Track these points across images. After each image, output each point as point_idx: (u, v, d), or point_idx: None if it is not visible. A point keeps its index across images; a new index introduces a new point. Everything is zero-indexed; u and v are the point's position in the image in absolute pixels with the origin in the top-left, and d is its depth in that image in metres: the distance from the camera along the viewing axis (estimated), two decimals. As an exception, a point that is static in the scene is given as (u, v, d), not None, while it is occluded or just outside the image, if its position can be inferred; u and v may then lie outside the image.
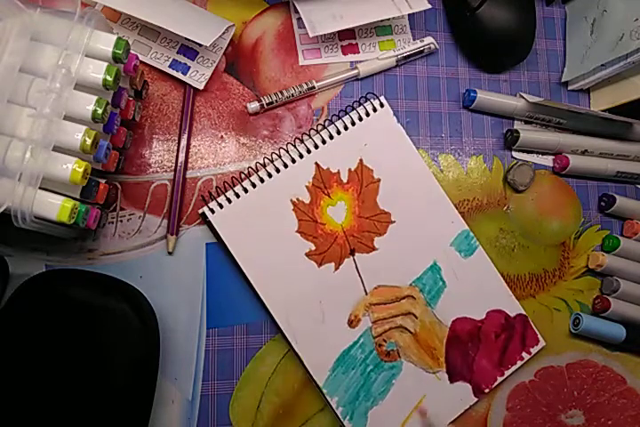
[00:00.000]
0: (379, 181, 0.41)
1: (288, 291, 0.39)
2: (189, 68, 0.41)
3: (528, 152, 0.46)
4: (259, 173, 0.39)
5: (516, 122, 0.46)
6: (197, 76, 0.41)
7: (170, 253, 0.39)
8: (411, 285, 0.41)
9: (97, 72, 0.31)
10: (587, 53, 0.45)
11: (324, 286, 0.39)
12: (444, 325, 0.41)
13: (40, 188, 0.30)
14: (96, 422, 0.31)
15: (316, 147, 0.40)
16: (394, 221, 0.41)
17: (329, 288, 0.39)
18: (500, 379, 0.41)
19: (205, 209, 0.38)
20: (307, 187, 0.40)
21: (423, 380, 0.40)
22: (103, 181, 0.35)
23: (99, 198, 0.34)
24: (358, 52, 0.44)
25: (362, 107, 0.42)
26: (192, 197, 0.40)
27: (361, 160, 0.41)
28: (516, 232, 0.44)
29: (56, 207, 0.30)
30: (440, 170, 0.44)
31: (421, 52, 0.44)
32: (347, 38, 0.44)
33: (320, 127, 0.41)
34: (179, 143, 0.40)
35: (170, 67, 0.41)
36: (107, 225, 0.39)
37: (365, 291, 0.40)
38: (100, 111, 0.31)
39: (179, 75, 0.40)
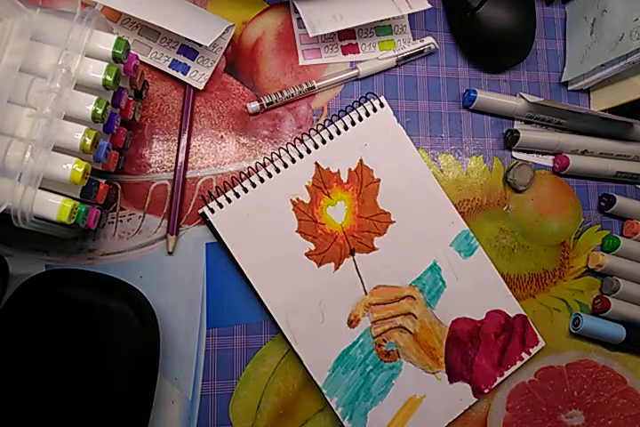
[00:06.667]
0: (379, 181, 0.41)
1: (288, 291, 0.39)
2: (189, 68, 0.41)
3: (528, 152, 0.46)
4: (259, 172, 0.39)
5: (515, 122, 0.46)
6: (197, 76, 0.41)
7: (170, 253, 0.39)
8: (410, 285, 0.41)
9: (97, 72, 0.31)
10: (587, 53, 0.45)
11: (324, 286, 0.39)
12: (443, 325, 0.41)
13: (40, 188, 0.30)
14: (96, 421, 0.31)
15: (316, 147, 0.40)
16: (394, 221, 0.41)
17: (329, 288, 0.39)
18: (499, 379, 0.41)
19: (205, 209, 0.38)
20: (307, 187, 0.40)
21: (423, 380, 0.40)
22: (103, 181, 0.35)
23: (99, 198, 0.34)
24: (358, 52, 0.44)
25: (362, 107, 0.42)
26: (192, 197, 0.40)
27: (361, 160, 0.41)
28: (516, 232, 0.44)
29: (56, 207, 0.30)
30: (440, 170, 0.44)
31: (421, 52, 0.44)
32: (347, 38, 0.44)
33: (320, 127, 0.41)
34: (179, 143, 0.40)
35: (170, 67, 0.41)
36: (107, 225, 0.39)
37: (365, 291, 0.40)
38: (100, 111, 0.31)
39: (179, 75, 0.41)
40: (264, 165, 0.40)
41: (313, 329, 0.39)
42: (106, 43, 0.31)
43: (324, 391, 0.38)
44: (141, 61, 0.40)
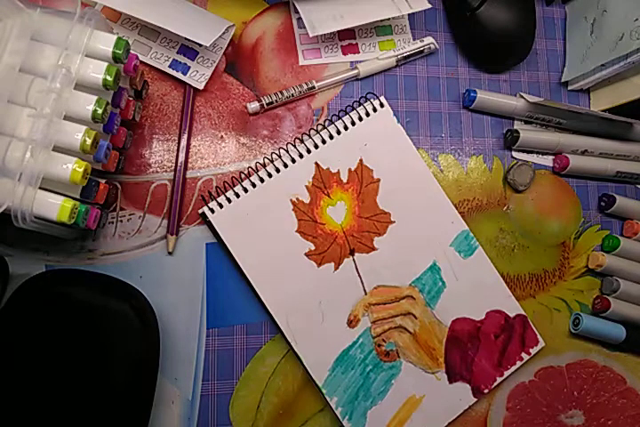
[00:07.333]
0: (379, 181, 0.41)
1: (288, 291, 0.39)
2: (189, 68, 0.41)
3: (528, 152, 0.46)
4: (259, 172, 0.39)
5: (515, 122, 0.46)
6: (197, 76, 0.41)
7: (170, 253, 0.39)
8: (410, 285, 0.41)
9: (97, 72, 0.31)
10: (587, 53, 0.45)
11: (324, 286, 0.39)
12: (443, 325, 0.41)
13: (40, 188, 0.30)
14: (96, 421, 0.31)
15: (316, 147, 0.40)
16: (393, 222, 0.41)
17: (328, 288, 0.39)
18: (499, 379, 0.41)
19: (205, 209, 0.38)
20: (306, 187, 0.40)
21: (422, 380, 0.40)
22: (103, 181, 0.35)
23: (99, 198, 0.34)
24: (358, 52, 0.44)
25: (362, 107, 0.42)
26: (192, 197, 0.40)
27: (361, 160, 0.41)
28: (516, 232, 0.44)
29: (56, 207, 0.30)
30: (440, 170, 0.44)
31: (421, 52, 0.44)
32: (347, 38, 0.44)
33: (320, 127, 0.41)
34: (179, 143, 0.40)
35: (170, 67, 0.41)
36: (107, 225, 0.39)
37: (365, 291, 0.40)
38: (99, 111, 0.31)
39: (179, 75, 0.41)
40: (264, 165, 0.40)
41: (313, 329, 0.39)
42: (106, 43, 0.31)
43: (324, 391, 0.38)
44: (141, 61, 0.40)
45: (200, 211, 0.39)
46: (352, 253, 0.40)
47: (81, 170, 0.30)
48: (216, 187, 0.40)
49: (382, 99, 0.42)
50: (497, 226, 0.44)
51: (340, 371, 0.39)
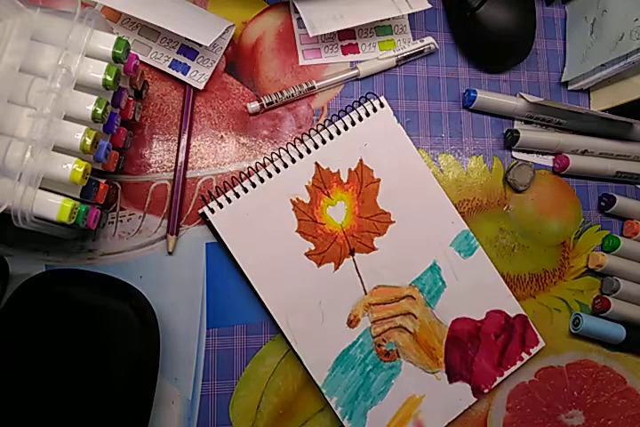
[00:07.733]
0: (379, 181, 0.41)
1: (288, 291, 0.39)
2: (189, 68, 0.41)
3: (528, 152, 0.46)
4: (259, 172, 0.39)
5: (515, 122, 0.46)
6: (197, 76, 0.41)
7: (170, 253, 0.39)
8: (410, 285, 0.41)
9: (97, 72, 0.31)
10: (587, 53, 0.45)
11: (324, 286, 0.39)
12: (443, 325, 0.41)
13: (40, 188, 0.30)
14: (96, 422, 0.31)
15: (316, 147, 0.40)
16: (393, 222, 0.41)
17: (328, 288, 0.39)
18: (499, 379, 0.41)
19: (205, 209, 0.38)
20: (306, 187, 0.40)
21: (422, 380, 0.40)
22: (103, 181, 0.35)
23: (99, 198, 0.34)
24: (358, 52, 0.44)
25: (362, 107, 0.42)
26: (192, 197, 0.40)
27: (361, 160, 0.41)
28: (516, 232, 0.44)
29: (56, 207, 0.30)
30: (440, 170, 0.44)
31: (421, 52, 0.44)
32: (347, 38, 0.44)
33: (320, 127, 0.41)
34: (179, 143, 0.40)
35: (170, 67, 0.41)
36: (107, 225, 0.39)
37: (365, 291, 0.40)
38: (99, 111, 0.31)
39: (179, 75, 0.41)
40: (264, 165, 0.40)
41: (313, 329, 0.39)
42: (106, 43, 0.31)
43: (324, 391, 0.38)
44: (141, 61, 0.40)
45: (200, 211, 0.39)
46: (352, 253, 0.40)
47: (81, 170, 0.30)
48: (216, 187, 0.40)
49: (382, 99, 0.42)
50: (497, 226, 0.44)
51: (340, 371, 0.39)
